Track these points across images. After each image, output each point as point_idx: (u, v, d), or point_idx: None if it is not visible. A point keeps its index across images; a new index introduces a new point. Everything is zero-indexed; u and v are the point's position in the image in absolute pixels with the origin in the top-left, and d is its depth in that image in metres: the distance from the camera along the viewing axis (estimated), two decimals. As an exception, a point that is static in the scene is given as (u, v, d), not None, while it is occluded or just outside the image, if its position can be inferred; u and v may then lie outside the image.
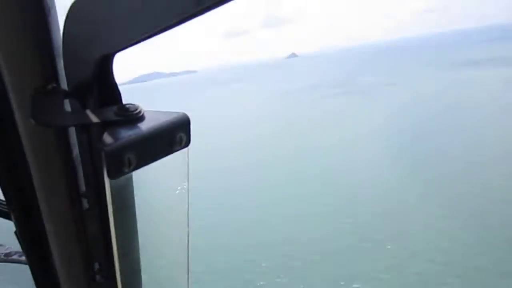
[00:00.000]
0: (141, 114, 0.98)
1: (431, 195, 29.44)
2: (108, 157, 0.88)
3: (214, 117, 79.16)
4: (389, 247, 23.71)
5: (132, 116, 0.97)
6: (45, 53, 1.04)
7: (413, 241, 24.02)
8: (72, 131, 1.16)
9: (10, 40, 0.96)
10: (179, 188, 1.15)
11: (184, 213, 1.22)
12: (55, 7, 1.03)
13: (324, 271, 22.42)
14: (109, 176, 0.89)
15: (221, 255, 25.45)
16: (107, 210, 1.03)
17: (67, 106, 1.09)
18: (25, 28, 0.97)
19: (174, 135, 0.96)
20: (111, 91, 1.04)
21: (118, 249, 1.10)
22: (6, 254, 2.08)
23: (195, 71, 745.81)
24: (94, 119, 0.98)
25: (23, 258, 1.58)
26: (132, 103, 1.00)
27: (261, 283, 22.21)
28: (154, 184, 1.13)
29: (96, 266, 1.30)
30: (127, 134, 0.92)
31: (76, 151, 1.18)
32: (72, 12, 0.91)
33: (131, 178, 1.05)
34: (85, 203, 1.22)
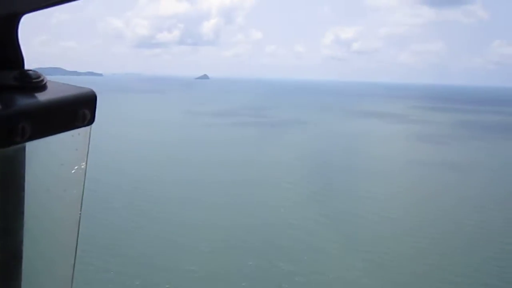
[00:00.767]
0: (43, 83, 0.94)
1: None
2: (0, 123, 0.81)
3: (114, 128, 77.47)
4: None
5: (33, 84, 0.92)
6: None
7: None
8: None
9: None
10: (75, 167, 1.10)
11: (78, 194, 1.16)
12: None
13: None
14: None
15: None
16: None
17: None
18: None
19: (77, 110, 0.93)
20: (12, 54, 1.00)
21: None
22: None
23: (100, 74, 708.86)
24: None
25: None
26: (35, 70, 0.96)
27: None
28: (48, 160, 1.07)
29: None
30: (24, 101, 0.87)
31: None
32: None
33: (23, 150, 0.95)
34: None
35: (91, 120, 0.96)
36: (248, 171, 49.80)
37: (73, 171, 1.10)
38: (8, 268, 1.13)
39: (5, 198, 1.01)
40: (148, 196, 39.23)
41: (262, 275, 25.40)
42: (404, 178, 50.71)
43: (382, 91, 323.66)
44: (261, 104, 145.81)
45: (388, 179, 49.09)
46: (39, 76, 0.93)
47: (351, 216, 35.97)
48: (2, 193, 0.99)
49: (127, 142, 63.48)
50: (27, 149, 0.95)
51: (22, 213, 1.07)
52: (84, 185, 1.14)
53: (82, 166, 1.10)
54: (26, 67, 1.05)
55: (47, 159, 1.06)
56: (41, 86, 0.92)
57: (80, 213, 1.20)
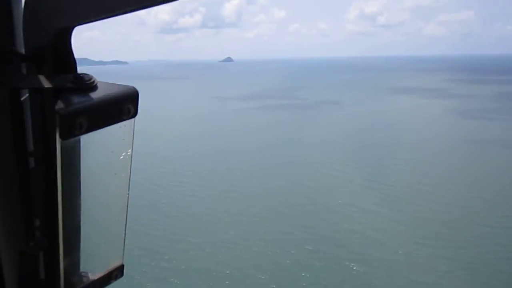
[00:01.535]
0: (94, 83, 1.07)
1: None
2: (62, 119, 0.95)
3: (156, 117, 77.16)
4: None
5: (86, 85, 1.06)
6: (4, 17, 1.11)
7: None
8: (24, 93, 1.27)
9: None
10: (123, 154, 1.25)
11: (126, 177, 1.31)
12: None
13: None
14: (61, 137, 0.97)
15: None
16: (55, 168, 1.11)
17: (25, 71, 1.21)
18: None
19: (123, 105, 1.06)
20: (67, 61, 1.15)
21: (61, 207, 1.19)
22: None
23: (125, 62, 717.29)
24: (49, 84, 1.07)
25: None
26: (87, 73, 1.10)
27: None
28: (100, 149, 1.23)
29: (37, 222, 1.36)
30: (80, 100, 1.01)
31: (27, 112, 1.28)
32: None
33: (79, 141, 1.14)
34: (32, 162, 1.33)
35: (134, 114, 1.10)
36: (294, 154, 48.39)
37: (121, 157, 1.26)
38: (70, 240, 1.31)
39: (66, 181, 1.17)
40: (197, 188, 38.54)
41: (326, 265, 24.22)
42: (458, 157, 47.92)
43: (411, 65, 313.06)
44: (289, 85, 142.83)
45: (441, 158, 46.72)
46: (90, 78, 1.08)
47: (412, 198, 34.48)
48: (64, 177, 1.15)
49: (164, 134, 62.29)
50: (82, 139, 1.11)
51: (80, 193, 1.26)
52: (130, 169, 1.29)
53: (129, 153, 1.26)
54: None
55: (100, 147, 1.22)
56: (93, 86, 1.07)
57: (128, 194, 1.37)
